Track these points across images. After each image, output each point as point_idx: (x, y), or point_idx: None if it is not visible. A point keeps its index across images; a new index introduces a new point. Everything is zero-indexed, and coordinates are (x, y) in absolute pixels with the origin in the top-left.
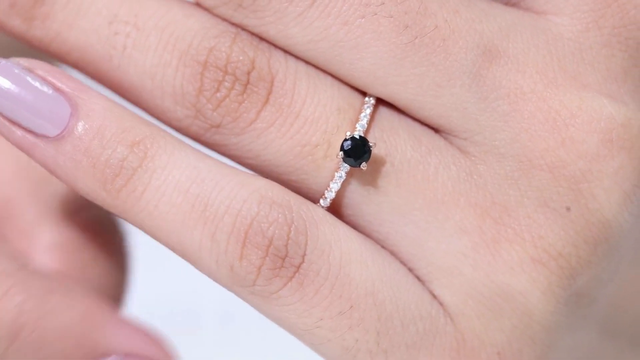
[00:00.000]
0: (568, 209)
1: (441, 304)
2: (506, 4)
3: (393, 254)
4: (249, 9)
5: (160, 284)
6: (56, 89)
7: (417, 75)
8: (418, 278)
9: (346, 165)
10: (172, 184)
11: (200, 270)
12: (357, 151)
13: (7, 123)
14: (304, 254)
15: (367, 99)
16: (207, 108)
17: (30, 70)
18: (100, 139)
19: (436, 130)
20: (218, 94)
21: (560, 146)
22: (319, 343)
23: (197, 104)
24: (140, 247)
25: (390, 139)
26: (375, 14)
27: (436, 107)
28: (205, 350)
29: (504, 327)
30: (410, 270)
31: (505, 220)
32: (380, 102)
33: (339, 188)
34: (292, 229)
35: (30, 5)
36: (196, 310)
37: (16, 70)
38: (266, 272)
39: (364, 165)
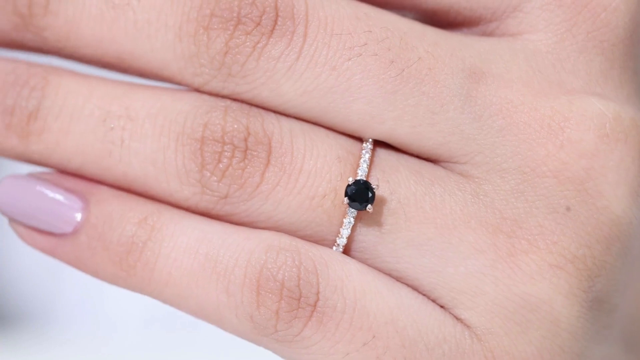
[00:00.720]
0: (568, 209)
1: (468, 326)
2: (482, 34)
3: (414, 288)
4: (239, 75)
5: None
6: (67, 190)
7: (411, 106)
8: (442, 306)
9: (353, 210)
10: (181, 248)
11: (227, 330)
12: (362, 195)
13: (29, 232)
14: (318, 292)
15: (364, 144)
16: (212, 181)
17: (39, 180)
18: (109, 223)
19: (435, 162)
20: (220, 165)
21: (559, 149)
22: None
23: (202, 179)
24: None
25: (392, 177)
26: (360, 55)
27: (434, 134)
28: (204, 351)
29: (533, 339)
30: (434, 300)
31: (518, 233)
32: (377, 144)
33: (349, 233)
34: (301, 269)
35: (25, 123)
36: None
37: (27, 183)
38: (284, 315)
39: (369, 208)
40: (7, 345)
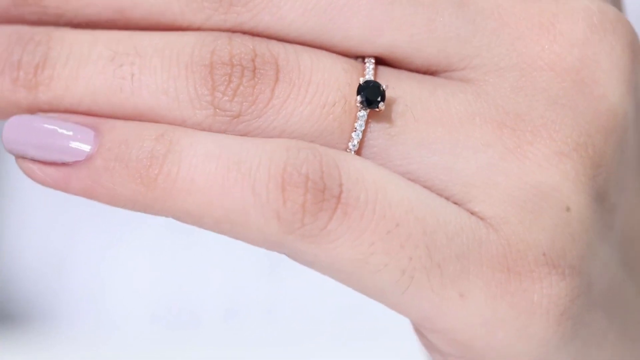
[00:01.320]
0: (582, 125)
1: (482, 218)
2: None
3: (427, 188)
4: (240, 3)
5: (160, 283)
6: (77, 123)
7: (408, 15)
8: (455, 203)
9: (364, 113)
10: (202, 155)
11: (251, 237)
12: (374, 92)
13: (39, 165)
14: (341, 184)
15: (367, 59)
16: (224, 101)
17: (48, 117)
18: (125, 144)
19: (434, 73)
20: (231, 85)
21: (552, 42)
22: (377, 271)
23: (214, 101)
24: (140, 247)
25: (397, 84)
26: None
27: (432, 41)
28: (205, 350)
29: (546, 225)
30: (447, 198)
31: (522, 126)
32: (378, 63)
33: (360, 138)
34: (323, 163)
35: (32, 75)
36: (196, 309)
37: (35, 120)
38: (311, 207)
39: (382, 106)
40: (10, 344)
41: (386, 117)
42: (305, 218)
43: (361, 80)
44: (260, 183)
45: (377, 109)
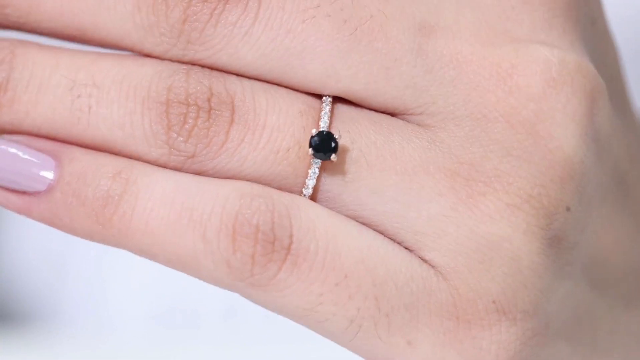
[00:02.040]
0: (536, 175)
1: (433, 266)
2: None
3: (380, 232)
4: (198, 42)
5: (159, 283)
6: (38, 150)
7: (365, 64)
8: (407, 249)
9: (317, 160)
10: (157, 198)
11: (202, 278)
12: (325, 145)
13: (2, 191)
14: (291, 234)
15: (324, 98)
16: (179, 142)
17: (9, 142)
18: (83, 179)
19: (392, 114)
20: (186, 126)
21: (508, 95)
22: (325, 320)
23: (169, 140)
24: None
25: (352, 128)
26: (314, 17)
27: (389, 89)
28: (205, 350)
29: (496, 276)
30: (399, 244)
31: (475, 176)
32: (337, 99)
33: (315, 183)
34: (275, 213)
35: None
36: (196, 309)
37: None
38: (260, 258)
39: (334, 157)
40: (10, 344)
41: (340, 164)
42: (255, 268)
43: (313, 132)
44: (211, 231)
45: (330, 160)
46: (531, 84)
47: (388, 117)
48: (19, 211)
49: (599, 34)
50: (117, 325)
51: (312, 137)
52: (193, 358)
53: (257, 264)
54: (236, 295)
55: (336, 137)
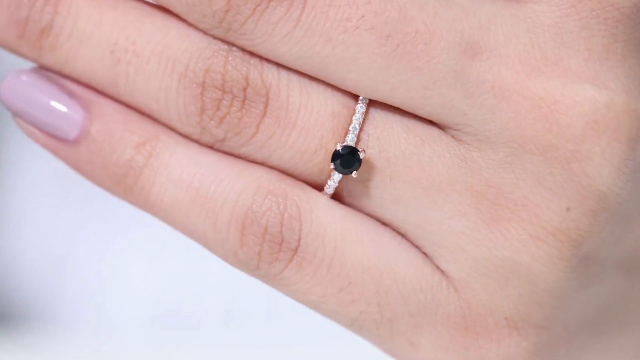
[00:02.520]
0: (568, 178)
1: (447, 277)
2: None
3: (399, 234)
4: (239, 32)
5: (159, 284)
6: (70, 94)
7: (403, 82)
8: (425, 254)
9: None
10: (174, 180)
11: (216, 254)
12: (348, 162)
13: (30, 127)
14: (299, 238)
15: (359, 101)
16: (210, 125)
17: (46, 77)
18: (110, 141)
19: (429, 122)
20: (219, 112)
21: (548, 132)
22: (328, 315)
23: (202, 122)
24: (140, 247)
25: (384, 134)
26: (357, 28)
27: (426, 106)
28: (205, 351)
29: (510, 294)
30: (418, 247)
31: (502, 201)
32: (373, 100)
33: (336, 185)
34: (285, 216)
35: (37, 36)
36: (196, 310)
37: (30, 78)
38: (266, 256)
39: (355, 174)
40: (10, 344)
41: (366, 170)
42: (261, 264)
43: (338, 146)
44: (221, 222)
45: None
46: (572, 124)
47: (424, 124)
48: (48, 150)
49: None
50: (117, 326)
51: (336, 151)
52: (192, 359)
53: (263, 260)
54: (236, 296)
55: (360, 153)
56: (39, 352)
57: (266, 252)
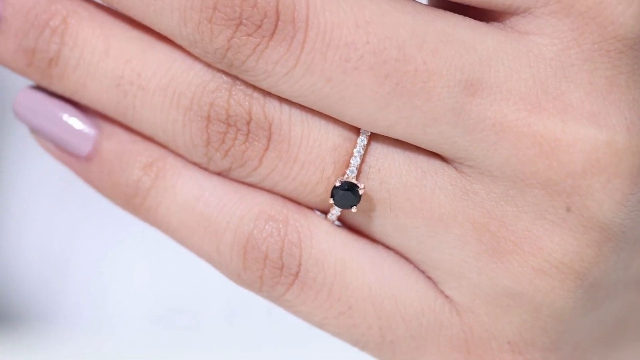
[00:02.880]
0: (568, 209)
1: (451, 301)
2: (492, 19)
3: (404, 258)
4: (240, 68)
5: (160, 284)
6: (83, 111)
7: (403, 119)
8: (429, 278)
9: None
10: (180, 203)
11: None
12: (347, 198)
13: (46, 142)
14: (300, 264)
15: (362, 130)
16: (217, 157)
17: (60, 99)
18: (119, 161)
19: (432, 153)
20: (224, 145)
21: (548, 168)
22: (332, 334)
23: (208, 153)
24: (141, 247)
25: (385, 165)
26: (356, 69)
27: (426, 142)
28: (206, 351)
29: (513, 320)
30: (422, 271)
31: (504, 233)
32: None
33: (339, 214)
34: (285, 241)
35: (45, 66)
36: (197, 310)
37: (44, 94)
38: (268, 280)
39: (354, 209)
40: (10, 344)
41: (366, 202)
42: (263, 287)
43: (337, 182)
44: (224, 245)
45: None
46: (573, 162)
47: (426, 156)
48: (61, 162)
49: None
50: (118, 326)
51: (335, 187)
52: (193, 359)
53: (265, 284)
54: (237, 296)
55: (360, 189)
56: (39, 352)
57: (267, 277)
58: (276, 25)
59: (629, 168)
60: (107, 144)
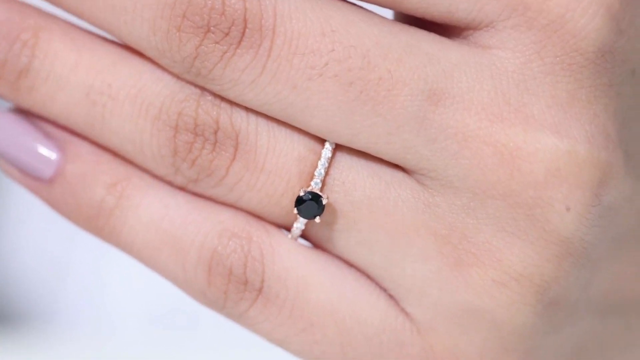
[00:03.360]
0: (529, 221)
1: (412, 319)
2: (456, 35)
3: (365, 274)
4: (207, 77)
5: (160, 283)
6: (46, 134)
7: (367, 127)
8: (391, 296)
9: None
10: (144, 222)
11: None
12: (310, 208)
13: (8, 166)
14: (262, 280)
15: (326, 144)
16: (184, 167)
17: (23, 117)
18: (82, 182)
19: (396, 166)
20: (191, 155)
21: (509, 178)
22: (293, 353)
23: (175, 163)
24: None
25: (349, 178)
26: (321, 75)
27: (389, 151)
28: (205, 351)
29: (475, 339)
30: (384, 289)
31: (465, 246)
32: (340, 144)
33: (302, 228)
34: (249, 258)
35: (15, 78)
36: (196, 310)
37: (7, 118)
38: (232, 295)
39: (318, 219)
40: (10, 344)
41: (330, 214)
42: (227, 303)
43: (301, 192)
44: (189, 263)
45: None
46: (534, 171)
47: (390, 168)
48: (26, 188)
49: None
50: (117, 326)
51: (299, 197)
52: (192, 359)
53: (230, 299)
54: None
55: (323, 200)
56: (39, 352)
57: (232, 292)
58: (243, 33)
59: (590, 179)
60: (71, 165)
